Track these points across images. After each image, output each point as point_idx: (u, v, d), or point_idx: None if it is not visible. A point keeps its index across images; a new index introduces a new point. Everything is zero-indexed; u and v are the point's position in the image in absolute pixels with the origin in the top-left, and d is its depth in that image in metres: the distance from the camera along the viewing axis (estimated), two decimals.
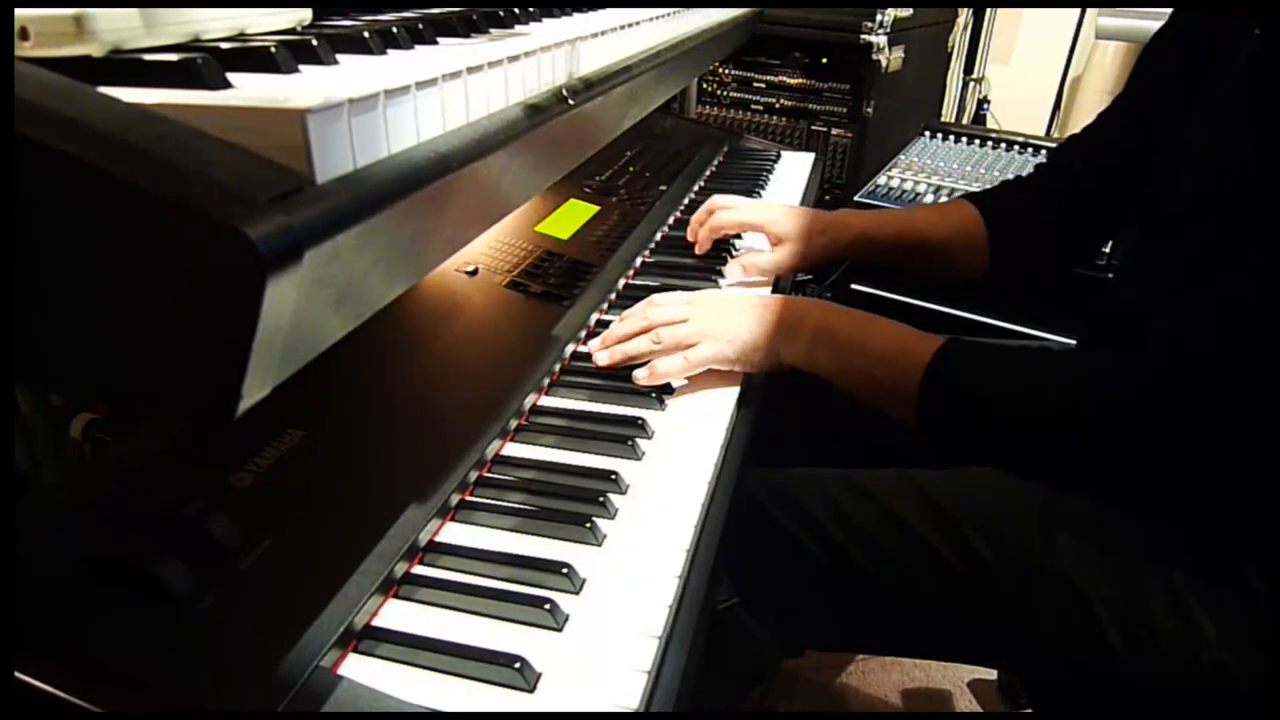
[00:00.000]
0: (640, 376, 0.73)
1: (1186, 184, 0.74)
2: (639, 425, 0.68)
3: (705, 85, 1.89)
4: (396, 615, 0.49)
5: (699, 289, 0.92)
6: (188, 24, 0.42)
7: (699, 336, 0.75)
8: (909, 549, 0.74)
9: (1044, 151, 1.69)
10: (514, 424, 0.67)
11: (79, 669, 0.39)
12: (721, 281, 0.96)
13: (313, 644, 0.43)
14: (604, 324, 0.84)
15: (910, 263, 1.05)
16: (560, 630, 0.49)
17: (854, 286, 1.57)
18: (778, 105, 1.85)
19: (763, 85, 1.86)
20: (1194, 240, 0.70)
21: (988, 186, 1.56)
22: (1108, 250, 1.33)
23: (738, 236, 1.07)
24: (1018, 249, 1.00)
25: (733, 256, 1.01)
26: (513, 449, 0.65)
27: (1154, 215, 0.81)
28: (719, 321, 0.76)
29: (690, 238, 1.01)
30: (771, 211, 1.00)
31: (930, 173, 1.63)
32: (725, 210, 0.99)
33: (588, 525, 0.56)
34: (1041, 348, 0.68)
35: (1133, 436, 0.61)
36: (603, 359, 0.76)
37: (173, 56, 0.37)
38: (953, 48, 2.39)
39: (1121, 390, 0.62)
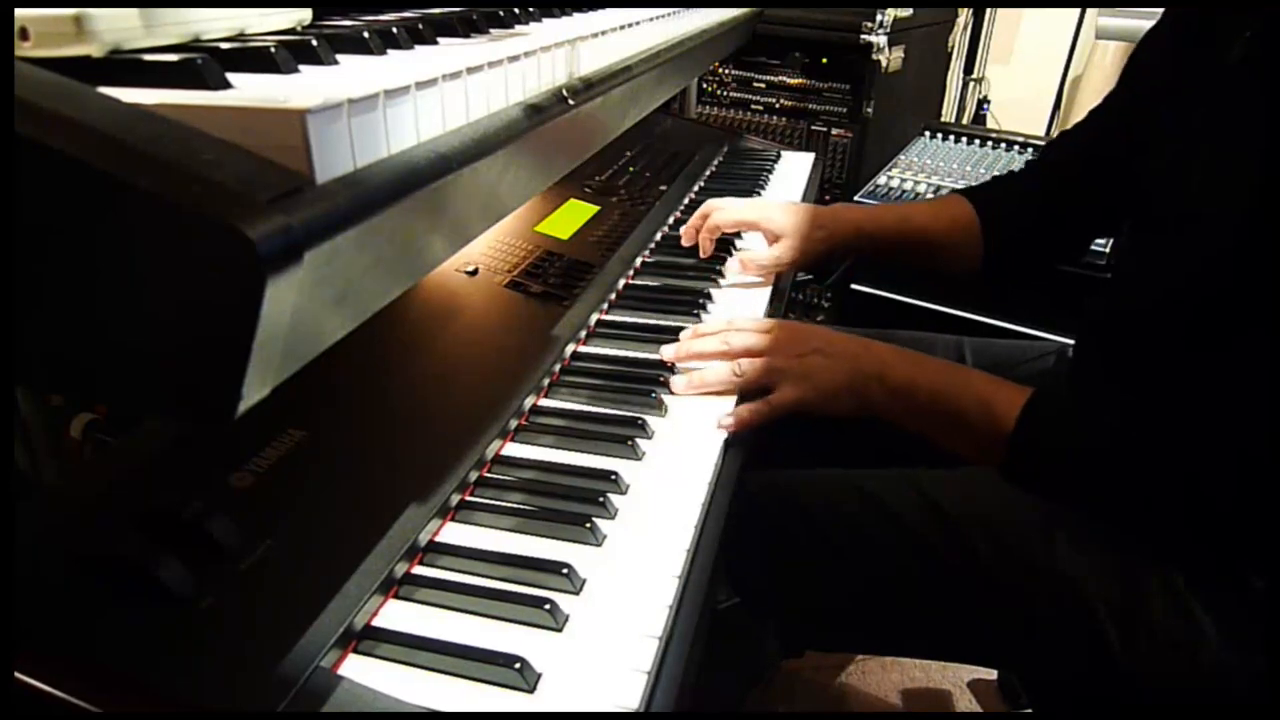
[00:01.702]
0: (725, 423, 0.71)
1: (1173, 183, 0.74)
2: (639, 425, 0.68)
3: (705, 85, 1.89)
4: (396, 615, 0.49)
5: (700, 288, 0.92)
6: (188, 24, 0.42)
7: (779, 376, 0.74)
8: (909, 549, 0.74)
9: (1042, 148, 1.69)
10: (514, 424, 0.67)
11: (79, 669, 0.39)
12: (722, 282, 0.96)
13: (313, 644, 0.43)
14: (604, 324, 0.84)
15: (906, 257, 1.05)
16: (560, 630, 0.49)
17: (854, 286, 1.57)
18: (778, 105, 1.85)
19: (763, 85, 1.86)
20: (1181, 240, 0.70)
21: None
22: (1107, 250, 1.33)
23: (738, 236, 1.07)
24: (1010, 244, 1.00)
25: (733, 255, 1.01)
26: (513, 449, 0.65)
27: (1146, 215, 0.81)
28: (800, 363, 0.75)
29: (686, 242, 1.01)
30: (767, 209, 1.00)
31: (930, 173, 1.63)
32: (721, 210, 0.99)
33: (588, 525, 0.56)
34: (1118, 398, 0.67)
35: (1212, 493, 0.62)
36: (680, 386, 0.74)
37: (173, 56, 0.37)
38: (953, 48, 2.39)
39: (1202, 450, 0.62)
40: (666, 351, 0.77)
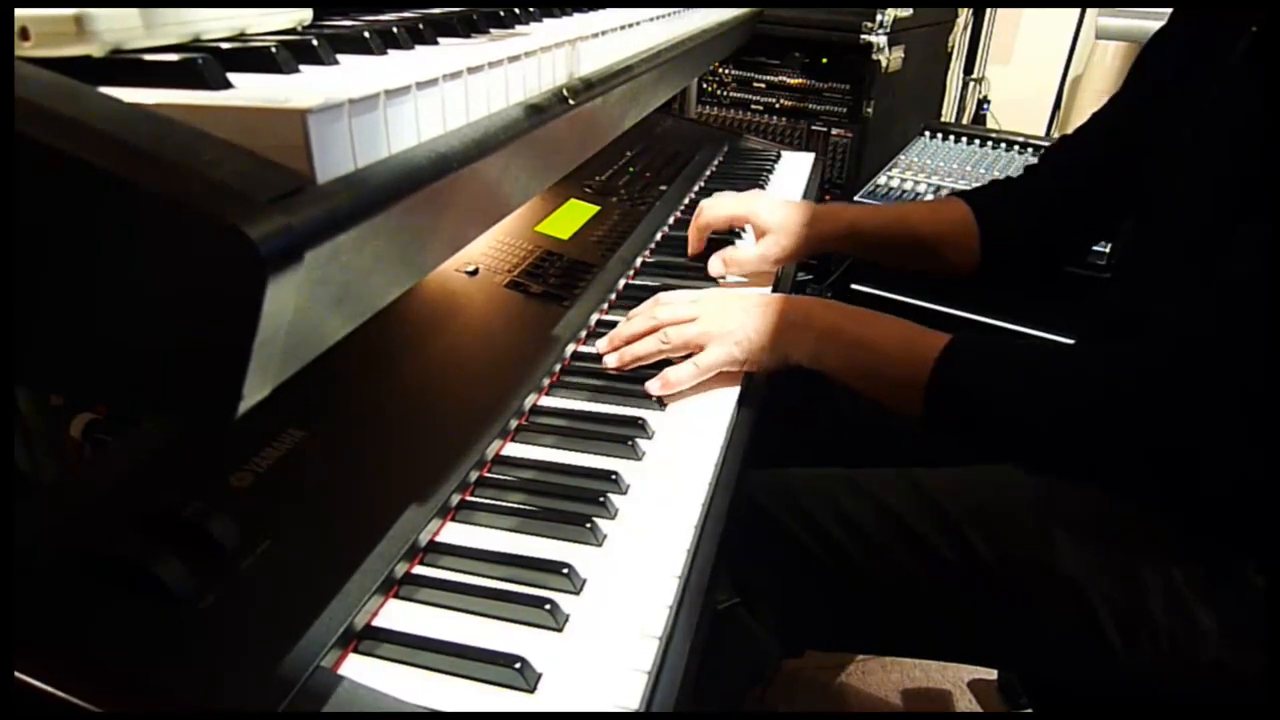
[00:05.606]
0: (653, 388, 0.73)
1: (1180, 179, 0.74)
2: (639, 425, 0.68)
3: (705, 85, 1.89)
4: (397, 615, 0.49)
5: (700, 288, 0.92)
6: (188, 24, 0.42)
7: (706, 338, 0.75)
8: (909, 549, 0.74)
9: (1043, 151, 1.69)
10: (514, 424, 0.67)
11: (79, 669, 0.39)
12: (722, 283, 0.96)
13: (313, 644, 0.43)
14: (604, 324, 0.84)
15: (899, 257, 1.05)
16: (560, 630, 0.49)
17: (854, 287, 1.57)
18: (778, 105, 1.85)
19: (763, 85, 1.86)
20: (1187, 236, 0.70)
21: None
22: (1106, 251, 1.33)
23: (740, 235, 1.07)
24: (1009, 248, 1.00)
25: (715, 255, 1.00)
26: (513, 449, 0.65)
27: (1148, 213, 0.80)
28: (726, 322, 0.76)
29: (692, 249, 1.01)
30: (756, 203, 0.99)
31: (930, 173, 1.63)
32: (712, 207, 0.98)
33: (588, 525, 0.56)
34: (1045, 344, 0.68)
35: (1139, 426, 0.61)
36: (612, 361, 0.76)
37: (173, 56, 0.37)
38: (953, 48, 2.39)
39: (1125, 381, 0.62)
40: (603, 348, 0.78)
